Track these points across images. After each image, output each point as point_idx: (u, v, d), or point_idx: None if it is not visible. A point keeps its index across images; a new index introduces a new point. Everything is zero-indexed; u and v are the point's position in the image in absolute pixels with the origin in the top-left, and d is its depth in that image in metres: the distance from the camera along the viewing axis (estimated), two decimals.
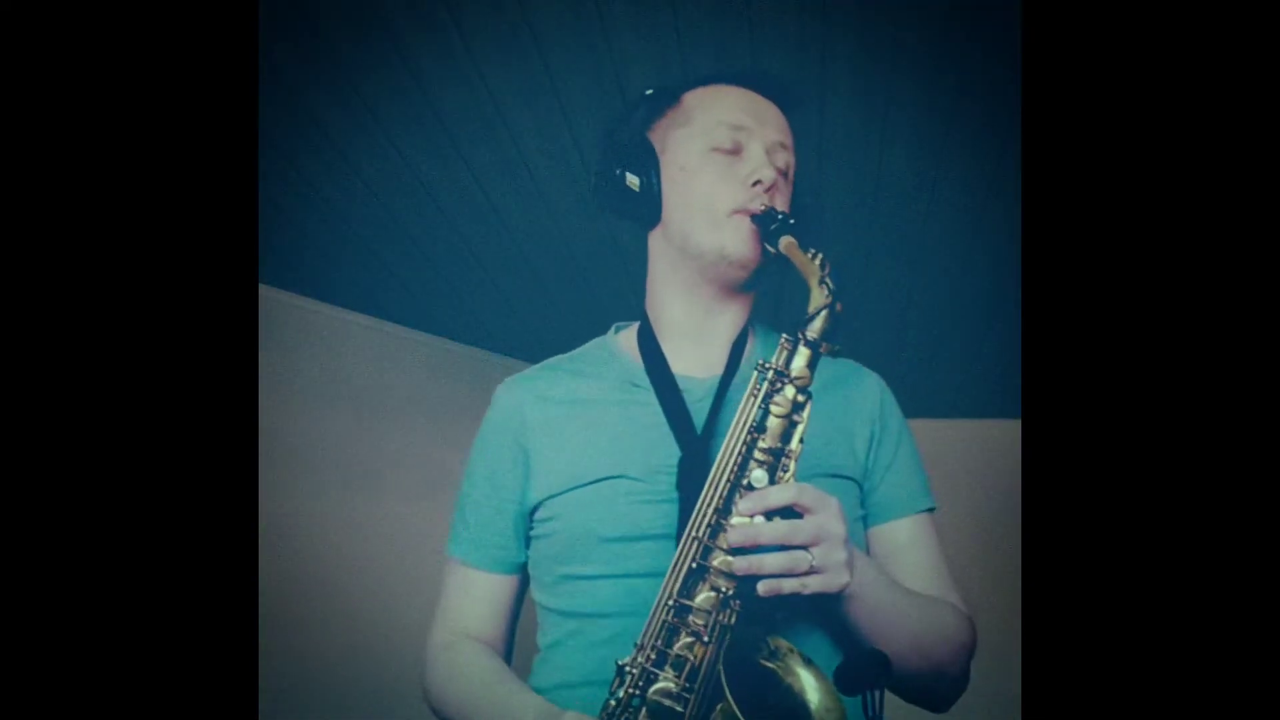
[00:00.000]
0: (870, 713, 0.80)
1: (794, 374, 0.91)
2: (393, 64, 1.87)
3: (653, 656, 0.87)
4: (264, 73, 1.86)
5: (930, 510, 1.09)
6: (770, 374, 0.92)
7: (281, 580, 2.65)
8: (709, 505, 0.89)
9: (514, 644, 1.12)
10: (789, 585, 0.84)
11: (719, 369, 1.07)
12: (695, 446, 0.99)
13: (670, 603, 0.88)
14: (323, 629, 2.84)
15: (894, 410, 1.12)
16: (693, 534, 0.89)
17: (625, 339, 1.15)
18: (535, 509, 1.06)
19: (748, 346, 1.11)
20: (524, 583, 1.11)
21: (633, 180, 1.09)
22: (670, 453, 1.00)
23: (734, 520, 0.87)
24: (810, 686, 0.84)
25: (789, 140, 1.11)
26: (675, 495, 0.97)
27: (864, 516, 1.06)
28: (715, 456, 0.92)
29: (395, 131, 2.10)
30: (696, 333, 1.09)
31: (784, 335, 0.93)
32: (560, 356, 1.18)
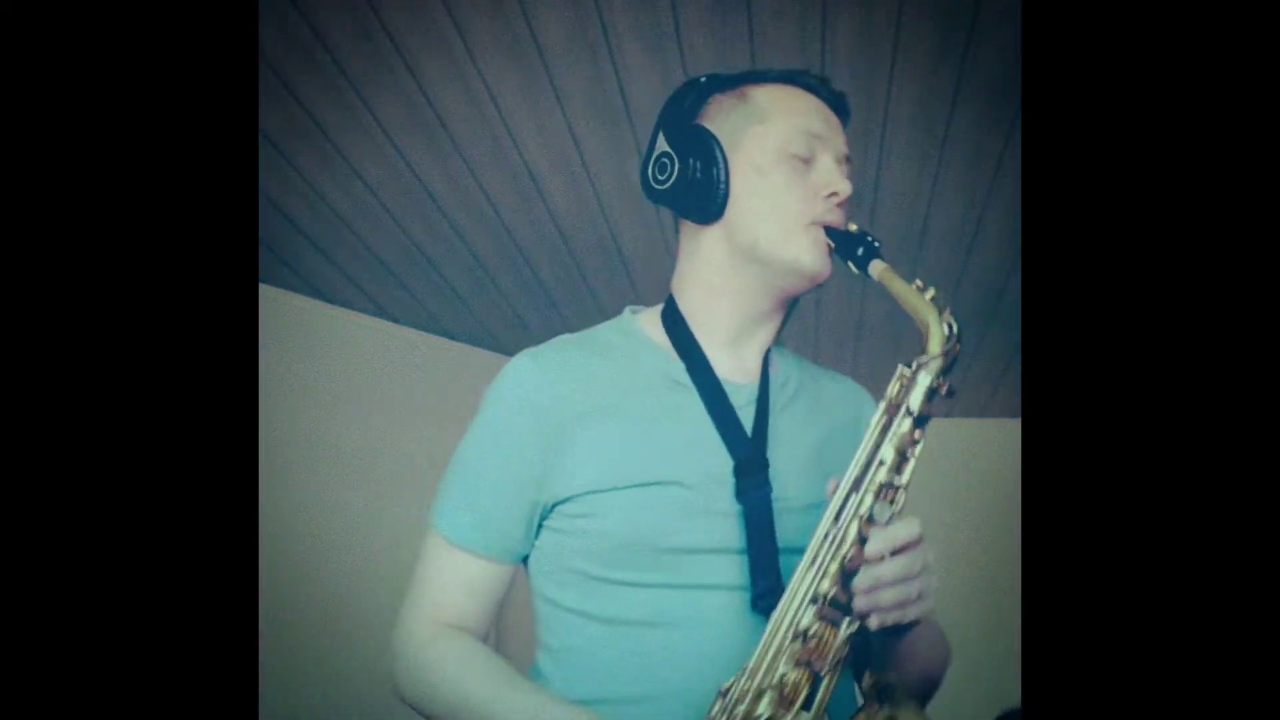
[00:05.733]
0: None
1: (914, 408, 0.91)
2: (393, 64, 1.87)
3: (758, 682, 0.87)
4: (264, 73, 1.87)
5: None
6: (894, 409, 0.92)
7: (282, 580, 2.65)
8: (835, 539, 0.89)
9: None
10: (894, 616, 0.86)
11: (753, 375, 1.04)
12: (749, 456, 0.97)
13: (786, 630, 0.88)
14: (323, 630, 2.84)
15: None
16: (816, 561, 0.89)
17: (650, 327, 1.07)
18: (563, 502, 0.97)
19: (770, 353, 1.08)
20: (516, 574, 1.04)
21: (700, 171, 1.01)
22: (719, 461, 0.97)
23: (865, 557, 0.87)
24: None
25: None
26: (733, 508, 0.96)
27: None
28: (768, 467, 0.96)
29: (395, 131, 2.10)
30: (738, 338, 1.05)
31: (901, 367, 0.93)
32: (575, 336, 1.08)
